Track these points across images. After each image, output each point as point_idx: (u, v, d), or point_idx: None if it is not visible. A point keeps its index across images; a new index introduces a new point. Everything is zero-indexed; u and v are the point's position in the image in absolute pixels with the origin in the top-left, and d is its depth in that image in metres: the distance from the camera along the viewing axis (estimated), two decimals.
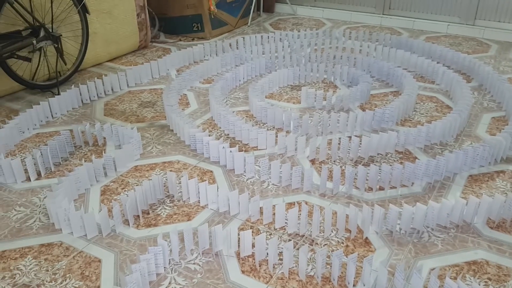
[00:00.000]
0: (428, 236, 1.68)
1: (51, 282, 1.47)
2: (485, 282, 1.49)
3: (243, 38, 3.39)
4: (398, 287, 1.42)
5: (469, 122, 2.44)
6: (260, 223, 1.73)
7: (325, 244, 1.65)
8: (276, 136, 2.20)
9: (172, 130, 2.38)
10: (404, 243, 1.64)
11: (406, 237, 1.67)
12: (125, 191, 1.91)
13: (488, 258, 1.58)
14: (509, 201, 1.68)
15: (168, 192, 1.89)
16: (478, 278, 1.50)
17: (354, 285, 1.44)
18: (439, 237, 1.67)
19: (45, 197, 1.85)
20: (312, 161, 2.13)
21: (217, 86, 2.64)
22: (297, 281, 1.48)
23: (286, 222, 1.72)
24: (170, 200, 1.86)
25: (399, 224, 1.68)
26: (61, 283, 1.47)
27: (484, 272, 1.53)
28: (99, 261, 1.55)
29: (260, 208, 1.74)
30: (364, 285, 1.44)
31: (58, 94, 2.66)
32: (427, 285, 1.44)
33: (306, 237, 1.67)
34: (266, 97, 2.74)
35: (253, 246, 1.58)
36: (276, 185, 1.94)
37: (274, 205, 1.73)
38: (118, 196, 1.88)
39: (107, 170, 2.01)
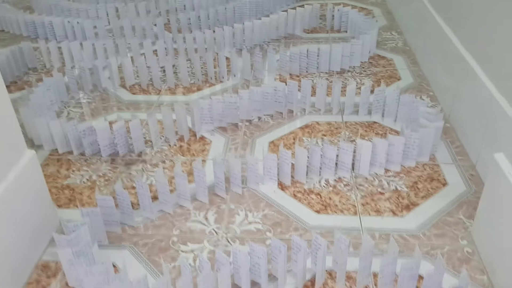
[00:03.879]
0: (259, 118, 1.62)
1: None
2: (321, 137, 1.50)
3: None
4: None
5: None
6: None
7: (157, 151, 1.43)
8: None
9: None
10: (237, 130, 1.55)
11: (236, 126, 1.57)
12: None
13: (318, 119, 1.62)
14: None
15: None
16: (314, 137, 1.50)
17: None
18: (269, 115, 1.63)
19: None
20: None
21: None
22: None
23: None
24: None
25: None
26: None
27: (318, 131, 1.54)
28: None
29: None
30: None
31: None
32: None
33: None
34: None
35: None
36: None
37: None
38: None
39: None
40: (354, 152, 1.33)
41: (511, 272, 0.93)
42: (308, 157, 1.31)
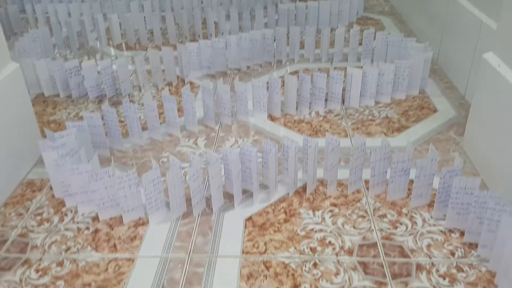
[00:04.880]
0: (247, 67, 1.61)
1: None
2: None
3: None
4: None
5: None
6: None
7: None
8: None
9: None
10: None
11: None
12: None
13: (308, 67, 1.61)
14: None
15: None
16: None
17: None
18: (258, 64, 1.62)
19: None
20: None
21: None
22: None
23: None
24: None
25: None
26: None
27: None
28: None
29: None
30: None
31: None
32: None
33: None
34: None
35: None
36: None
37: None
38: None
39: None
40: (344, 82, 1.33)
41: (502, 170, 0.93)
42: (297, 89, 1.30)
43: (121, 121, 1.30)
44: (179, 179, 0.91)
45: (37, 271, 0.82)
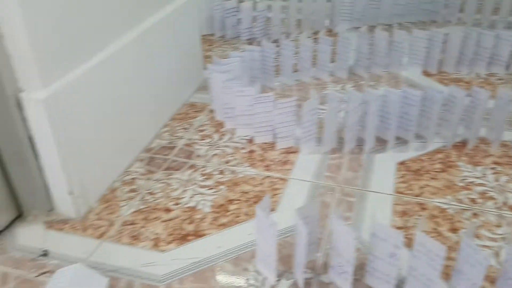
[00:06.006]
0: (399, 24, 1.54)
1: None
2: None
3: None
4: None
5: None
6: None
7: None
8: None
9: None
10: None
11: None
12: None
13: None
14: None
15: None
16: None
17: None
18: (411, 22, 1.54)
19: None
20: None
21: None
22: None
23: None
24: None
25: None
26: None
27: None
28: None
29: None
30: None
31: None
32: None
33: None
34: None
35: None
36: None
37: None
38: None
39: None
40: None
41: None
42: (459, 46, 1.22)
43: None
44: (335, 113, 0.92)
45: (202, 175, 0.91)
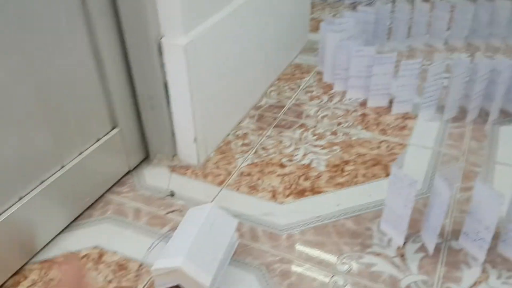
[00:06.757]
0: None
1: None
2: None
3: None
4: None
5: None
6: None
7: None
8: None
9: None
10: None
11: None
12: None
13: None
14: None
15: None
16: None
17: None
18: None
19: None
20: None
21: None
22: None
23: None
24: None
25: None
26: None
27: None
28: None
29: None
30: None
31: None
32: None
33: None
34: None
35: None
36: None
37: None
38: None
39: None
40: None
41: None
42: None
43: None
44: (462, 80, 0.87)
45: (314, 134, 0.90)
